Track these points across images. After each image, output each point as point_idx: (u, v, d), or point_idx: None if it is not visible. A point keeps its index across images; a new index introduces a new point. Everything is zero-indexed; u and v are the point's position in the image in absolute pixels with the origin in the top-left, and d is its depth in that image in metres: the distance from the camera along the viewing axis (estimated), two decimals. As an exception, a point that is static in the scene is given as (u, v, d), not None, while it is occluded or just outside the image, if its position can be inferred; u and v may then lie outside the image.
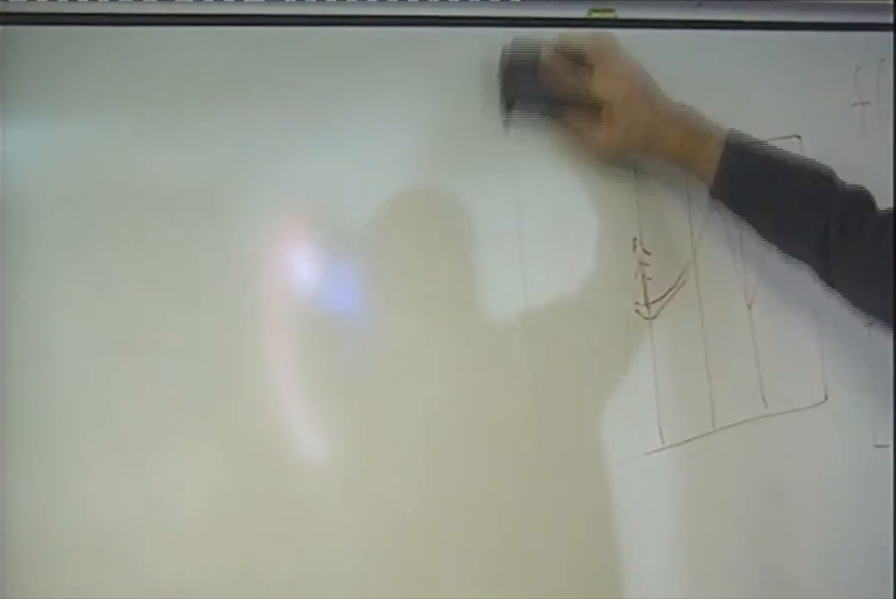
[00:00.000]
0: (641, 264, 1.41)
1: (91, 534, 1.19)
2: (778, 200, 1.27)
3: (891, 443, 1.56)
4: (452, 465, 1.32)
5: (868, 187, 1.31)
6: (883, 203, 1.31)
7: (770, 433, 1.49)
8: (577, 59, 1.29)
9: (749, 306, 1.48)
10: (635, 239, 1.41)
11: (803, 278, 1.36)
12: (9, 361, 1.16)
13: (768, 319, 1.49)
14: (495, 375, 1.34)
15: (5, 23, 1.15)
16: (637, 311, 1.41)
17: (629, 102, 1.26)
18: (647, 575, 1.42)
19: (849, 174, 1.33)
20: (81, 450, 1.19)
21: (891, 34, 1.49)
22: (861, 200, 1.28)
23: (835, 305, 1.36)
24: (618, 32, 1.34)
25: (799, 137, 1.49)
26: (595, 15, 1.40)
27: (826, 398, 1.53)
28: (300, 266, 1.29)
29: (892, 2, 1.46)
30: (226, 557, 1.23)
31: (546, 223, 1.36)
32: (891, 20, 1.48)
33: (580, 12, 1.40)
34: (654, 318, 1.41)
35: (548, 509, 1.36)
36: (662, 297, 1.42)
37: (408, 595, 1.29)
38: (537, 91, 1.30)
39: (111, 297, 1.21)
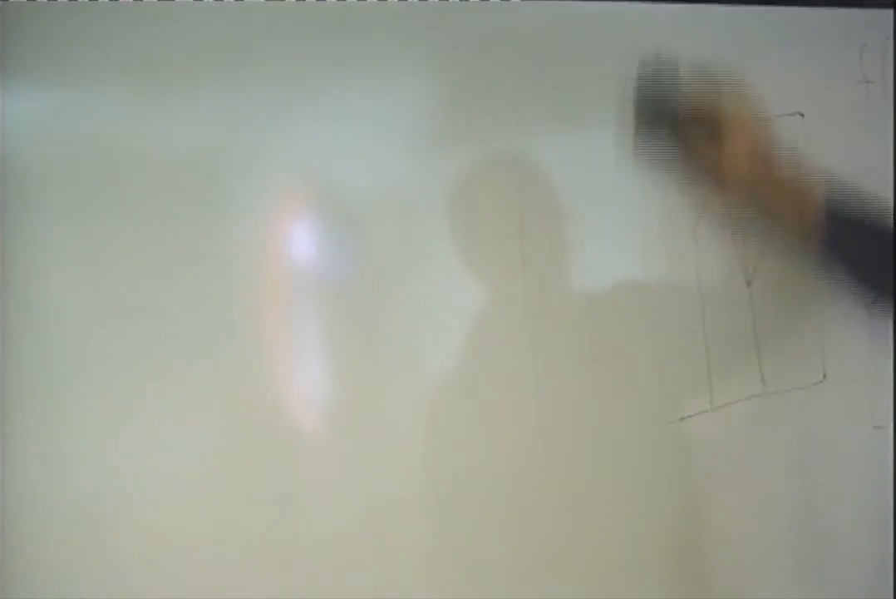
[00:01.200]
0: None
1: (84, 505, 1.18)
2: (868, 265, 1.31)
3: (890, 424, 1.56)
4: (456, 443, 1.33)
5: (868, 167, 1.31)
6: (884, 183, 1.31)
7: (768, 411, 1.49)
8: (711, 122, 1.31)
9: (748, 284, 1.48)
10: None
11: (803, 257, 1.36)
12: (5, 330, 1.17)
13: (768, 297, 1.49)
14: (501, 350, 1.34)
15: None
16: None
17: (753, 178, 1.30)
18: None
19: (851, 153, 1.32)
20: (77, 421, 1.19)
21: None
22: None
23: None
24: (621, 6, 1.33)
25: (802, 114, 1.48)
26: (599, -13, 1.39)
27: (825, 376, 1.53)
28: (298, 237, 1.28)
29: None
30: (219, 527, 1.23)
31: (547, 203, 1.36)
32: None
33: (584, -14, 1.39)
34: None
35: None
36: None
37: (402, 568, 1.30)
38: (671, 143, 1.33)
39: (108, 267, 1.20)
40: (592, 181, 1.38)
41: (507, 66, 1.33)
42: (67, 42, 1.18)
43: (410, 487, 1.31)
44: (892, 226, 1.29)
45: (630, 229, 1.41)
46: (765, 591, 1.50)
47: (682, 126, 1.32)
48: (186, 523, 1.22)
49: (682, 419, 1.43)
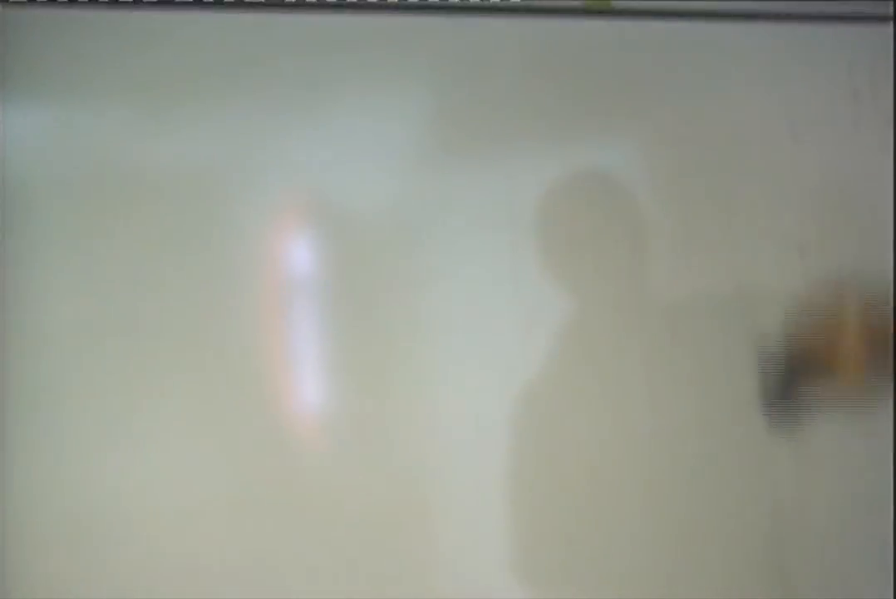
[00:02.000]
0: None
1: (81, 515, 1.20)
2: None
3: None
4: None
5: (861, 183, 1.33)
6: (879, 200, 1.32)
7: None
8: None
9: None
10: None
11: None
12: (5, 343, 1.18)
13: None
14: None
15: (4, 1, 1.17)
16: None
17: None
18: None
19: (842, 165, 1.34)
20: (74, 432, 1.21)
21: (888, 27, 1.48)
22: None
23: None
24: (612, 24, 1.34)
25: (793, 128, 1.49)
26: (590, 5, 1.40)
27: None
28: (296, 252, 1.30)
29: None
30: (215, 535, 1.24)
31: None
32: (890, 12, 1.48)
33: (576, 2, 1.40)
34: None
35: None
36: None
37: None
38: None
39: (108, 280, 1.22)
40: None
41: (503, 80, 1.34)
42: (66, 59, 1.21)
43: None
44: None
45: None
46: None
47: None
48: (182, 532, 1.24)
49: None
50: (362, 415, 1.30)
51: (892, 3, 1.47)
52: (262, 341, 1.28)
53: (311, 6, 1.28)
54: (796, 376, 1.40)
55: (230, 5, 1.25)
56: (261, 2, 1.26)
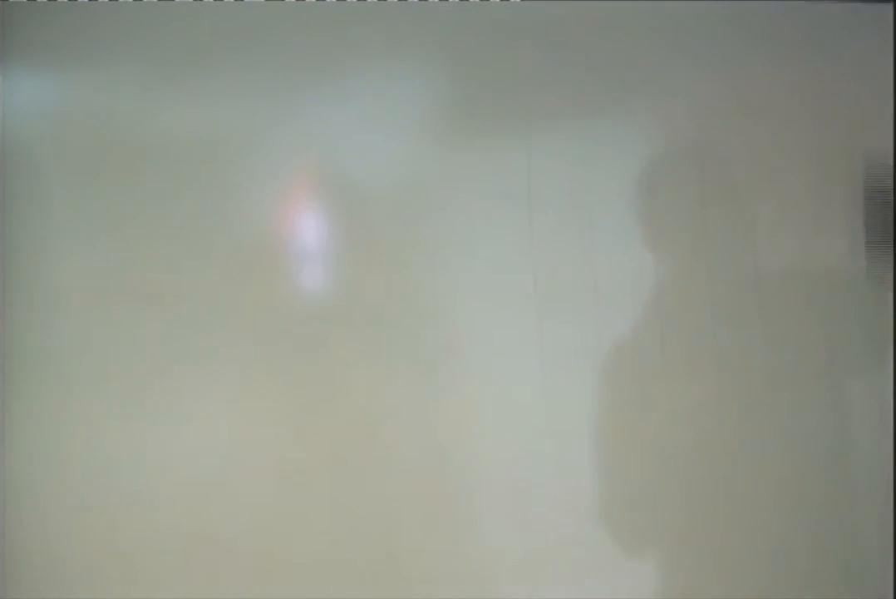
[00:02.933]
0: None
1: (87, 491, 1.21)
2: None
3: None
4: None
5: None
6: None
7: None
8: None
9: None
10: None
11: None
12: (9, 314, 1.18)
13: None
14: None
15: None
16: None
17: None
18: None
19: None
20: (82, 407, 1.21)
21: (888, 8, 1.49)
22: None
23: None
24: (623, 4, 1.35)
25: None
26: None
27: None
28: (307, 223, 1.30)
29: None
30: (226, 517, 1.24)
31: (555, 185, 1.37)
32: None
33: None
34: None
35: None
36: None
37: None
38: None
39: (114, 247, 1.22)
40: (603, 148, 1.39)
41: (522, 53, 1.34)
42: (74, 25, 1.21)
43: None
44: None
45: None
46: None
47: None
48: (192, 511, 1.24)
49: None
50: (373, 389, 1.30)
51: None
52: (275, 316, 1.27)
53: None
54: None
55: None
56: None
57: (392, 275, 1.31)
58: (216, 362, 1.24)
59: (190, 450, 1.23)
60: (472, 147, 1.34)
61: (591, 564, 1.34)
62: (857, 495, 1.42)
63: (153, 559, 1.22)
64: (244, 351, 1.26)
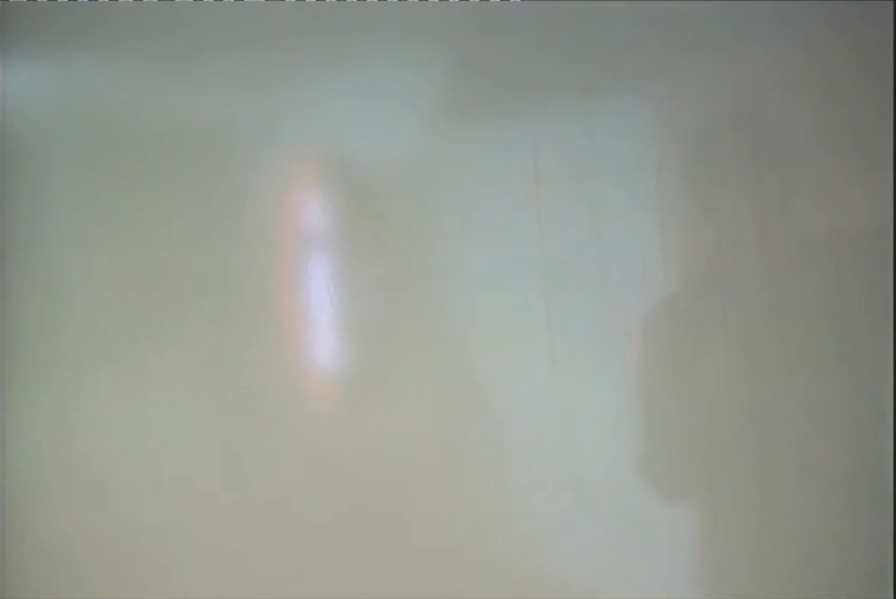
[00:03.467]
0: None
1: (89, 468, 1.22)
2: None
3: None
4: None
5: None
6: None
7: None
8: None
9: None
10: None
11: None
12: (11, 296, 1.19)
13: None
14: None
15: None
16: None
17: None
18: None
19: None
20: (84, 386, 1.22)
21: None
22: None
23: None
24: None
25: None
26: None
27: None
28: (315, 205, 1.30)
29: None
30: (226, 496, 1.25)
31: (562, 168, 1.36)
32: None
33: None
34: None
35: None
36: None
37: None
38: None
39: (116, 232, 1.23)
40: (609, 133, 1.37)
41: (526, 33, 1.34)
42: (75, 17, 1.22)
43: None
44: None
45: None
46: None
47: None
48: (193, 490, 1.24)
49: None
50: (380, 374, 1.30)
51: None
52: (279, 299, 1.28)
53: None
54: None
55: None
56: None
57: (397, 258, 1.31)
58: (218, 340, 1.25)
59: (193, 424, 1.25)
60: (478, 128, 1.34)
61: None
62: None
63: (152, 552, 1.24)
64: (247, 331, 1.27)
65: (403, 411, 1.29)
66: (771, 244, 1.38)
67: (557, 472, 1.33)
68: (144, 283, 1.23)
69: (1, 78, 1.20)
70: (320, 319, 1.29)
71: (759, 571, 1.36)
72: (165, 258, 1.24)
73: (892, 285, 1.40)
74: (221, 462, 1.25)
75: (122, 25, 1.24)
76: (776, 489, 1.37)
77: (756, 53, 1.38)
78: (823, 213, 1.40)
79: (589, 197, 1.36)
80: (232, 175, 1.26)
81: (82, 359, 1.22)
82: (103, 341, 1.22)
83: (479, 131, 1.34)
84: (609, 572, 1.33)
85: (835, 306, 1.39)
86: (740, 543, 1.36)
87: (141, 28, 1.25)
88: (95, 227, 1.23)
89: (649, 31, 1.36)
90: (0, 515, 1.19)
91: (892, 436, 1.47)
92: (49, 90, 1.23)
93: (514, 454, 1.32)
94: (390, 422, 1.28)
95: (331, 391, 1.30)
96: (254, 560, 1.24)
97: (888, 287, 1.39)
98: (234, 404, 1.25)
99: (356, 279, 1.30)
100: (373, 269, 1.31)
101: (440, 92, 1.33)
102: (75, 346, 1.22)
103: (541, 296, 1.33)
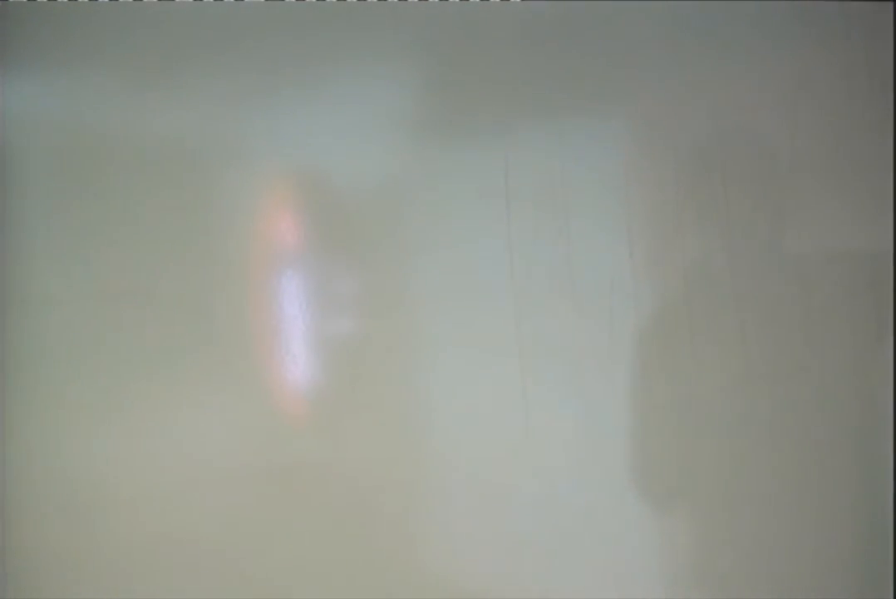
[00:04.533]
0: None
1: (75, 487, 1.25)
2: None
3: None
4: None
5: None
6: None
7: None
8: None
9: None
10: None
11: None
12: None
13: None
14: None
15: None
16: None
17: None
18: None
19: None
20: (69, 405, 1.25)
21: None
22: None
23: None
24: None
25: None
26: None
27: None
28: (286, 223, 1.31)
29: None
30: (214, 511, 1.28)
31: (533, 183, 1.37)
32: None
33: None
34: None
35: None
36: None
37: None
38: None
39: (98, 247, 1.26)
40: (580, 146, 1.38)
41: (498, 52, 1.34)
42: (55, 31, 1.23)
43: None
44: None
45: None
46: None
47: None
48: (181, 506, 1.27)
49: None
50: (352, 389, 1.32)
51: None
52: (251, 315, 1.30)
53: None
54: None
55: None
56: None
57: (368, 274, 1.33)
58: (201, 356, 1.28)
59: (180, 441, 1.27)
60: (451, 146, 1.35)
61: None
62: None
63: (145, 558, 1.27)
64: (228, 351, 1.29)
65: (375, 425, 1.31)
66: (741, 262, 1.39)
67: (531, 486, 1.35)
68: (117, 298, 1.25)
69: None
70: (293, 334, 1.31)
71: (754, 577, 1.38)
72: (138, 273, 1.26)
73: (892, 290, 1.40)
74: (194, 476, 1.27)
75: (103, 50, 1.25)
76: (771, 497, 1.39)
77: (728, 75, 1.37)
78: (794, 229, 1.39)
79: (559, 217, 1.36)
80: (204, 190, 1.28)
81: (67, 377, 1.25)
82: (76, 356, 1.25)
83: (451, 150, 1.35)
84: (589, 581, 1.36)
85: (809, 318, 1.39)
86: (736, 550, 1.38)
87: (116, 42, 1.26)
88: (65, 240, 1.25)
89: (621, 52, 1.37)
90: (0, 519, 1.23)
91: (892, 436, 1.46)
92: (32, 110, 1.24)
93: (487, 467, 1.34)
94: (362, 437, 1.31)
95: (303, 406, 1.32)
96: (226, 570, 1.27)
97: (862, 301, 1.39)
98: (207, 418, 1.27)
99: (328, 295, 1.33)
100: (345, 285, 1.33)
101: (411, 113, 1.33)
102: (60, 364, 1.25)
103: (511, 313, 1.34)
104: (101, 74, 1.25)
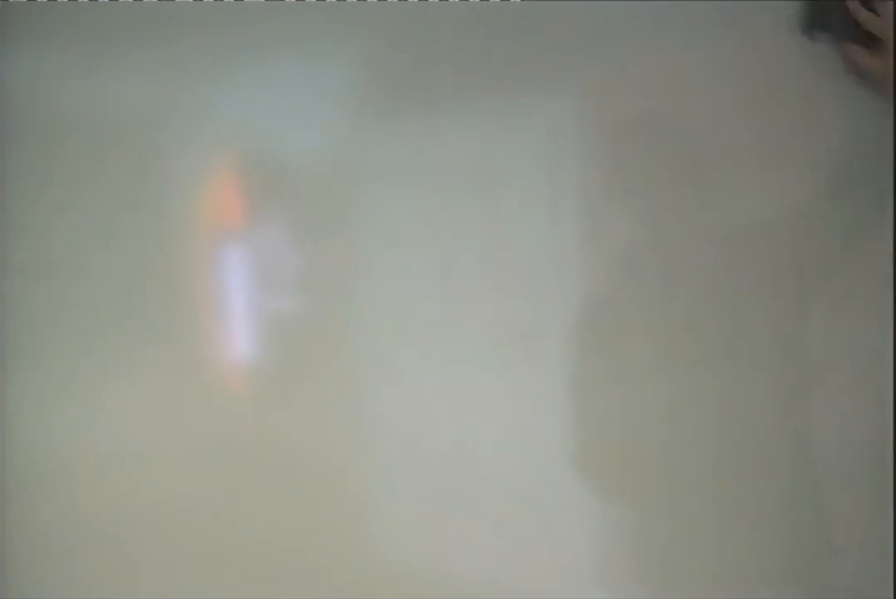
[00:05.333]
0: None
1: (41, 464, 1.32)
2: None
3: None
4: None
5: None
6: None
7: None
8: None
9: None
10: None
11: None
12: None
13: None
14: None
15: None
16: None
17: None
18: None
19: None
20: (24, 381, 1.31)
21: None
22: None
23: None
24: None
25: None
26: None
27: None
28: (231, 199, 1.35)
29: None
30: (187, 485, 1.32)
31: (460, 162, 1.36)
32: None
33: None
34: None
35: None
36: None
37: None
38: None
39: (36, 220, 1.30)
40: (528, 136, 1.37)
41: (433, 35, 1.34)
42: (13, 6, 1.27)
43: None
44: None
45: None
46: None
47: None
48: (114, 481, 1.32)
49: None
50: (293, 365, 1.35)
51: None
52: (192, 291, 1.34)
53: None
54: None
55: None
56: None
57: (311, 252, 1.35)
58: (139, 336, 1.32)
59: (101, 431, 1.32)
60: (382, 127, 1.35)
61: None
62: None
63: (138, 551, 1.32)
64: (163, 333, 1.33)
65: (315, 402, 1.33)
66: (667, 243, 1.35)
67: (478, 472, 1.35)
68: (54, 271, 1.30)
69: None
70: (236, 311, 1.34)
71: (697, 564, 1.35)
72: (76, 247, 1.30)
73: (892, 283, 1.34)
74: (134, 452, 1.31)
75: (50, 25, 1.30)
76: (712, 483, 1.35)
77: (657, 54, 1.34)
78: (741, 210, 1.35)
79: (487, 196, 1.36)
80: (146, 168, 1.31)
81: (14, 352, 1.30)
82: (26, 336, 1.29)
83: (388, 126, 1.35)
84: (527, 570, 1.35)
85: (764, 300, 1.35)
86: (677, 538, 1.35)
87: (59, 23, 1.30)
88: (10, 217, 1.30)
89: (551, 31, 1.34)
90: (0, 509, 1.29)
91: (891, 436, 1.40)
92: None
93: (428, 438, 1.34)
94: (302, 413, 1.33)
95: (244, 382, 1.34)
96: (168, 551, 1.31)
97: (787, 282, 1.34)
98: (149, 394, 1.31)
99: (271, 272, 1.35)
100: (287, 262, 1.35)
101: (352, 90, 1.34)
102: (16, 337, 1.30)
103: (435, 283, 1.34)
104: (40, 53, 1.30)
